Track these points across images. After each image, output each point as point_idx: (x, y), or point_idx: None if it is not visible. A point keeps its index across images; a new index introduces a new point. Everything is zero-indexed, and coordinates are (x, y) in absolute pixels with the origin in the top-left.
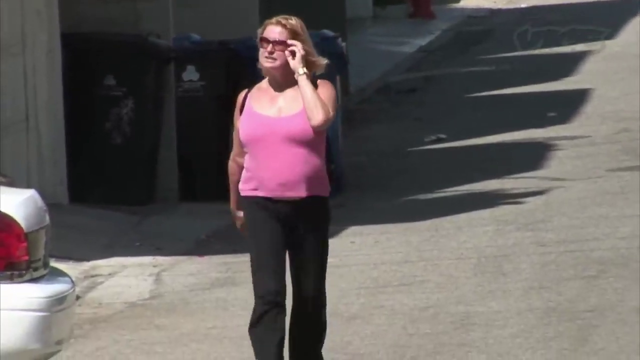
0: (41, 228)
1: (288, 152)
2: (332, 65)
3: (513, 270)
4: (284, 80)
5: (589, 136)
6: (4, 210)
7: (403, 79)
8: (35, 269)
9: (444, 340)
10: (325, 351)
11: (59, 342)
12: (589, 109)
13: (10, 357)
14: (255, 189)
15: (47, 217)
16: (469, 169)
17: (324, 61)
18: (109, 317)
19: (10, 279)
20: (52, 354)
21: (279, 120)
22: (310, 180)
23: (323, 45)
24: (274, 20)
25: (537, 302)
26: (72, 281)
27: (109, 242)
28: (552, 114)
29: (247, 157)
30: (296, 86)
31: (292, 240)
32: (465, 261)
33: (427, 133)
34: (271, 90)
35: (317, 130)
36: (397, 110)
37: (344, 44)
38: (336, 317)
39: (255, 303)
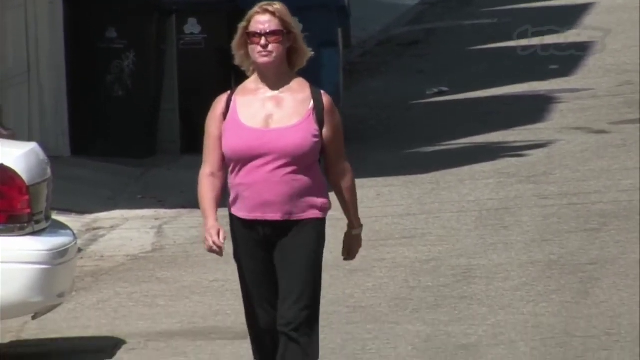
0: (43, 181)
1: (275, 168)
2: (334, 19)
3: (515, 223)
4: (277, 76)
5: (591, 89)
6: (5, 163)
7: (405, 32)
8: (37, 222)
9: (446, 292)
10: (326, 304)
11: (61, 295)
12: (591, 61)
13: (12, 310)
14: (238, 209)
15: (49, 170)
16: (471, 121)
17: (309, 53)
18: (111, 269)
19: (12, 232)
20: (54, 307)
21: (268, 132)
22: (300, 200)
23: None
24: (258, 8)
25: (538, 255)
26: (74, 234)
27: (111, 194)
28: (554, 67)
29: (230, 171)
30: (289, 85)
31: (279, 257)
32: (466, 214)
33: (429, 86)
34: (261, 90)
35: None
36: (399, 62)
37: None
38: (338, 269)
39: (249, 333)
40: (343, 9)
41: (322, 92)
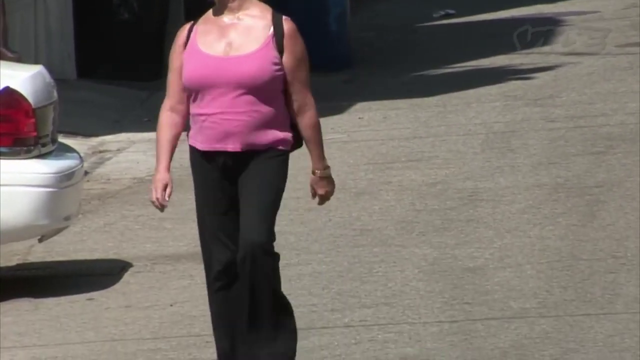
0: (49, 104)
1: (235, 97)
2: None
3: (521, 146)
4: (236, 3)
5: (597, 11)
6: (11, 86)
7: None
8: (44, 145)
9: (452, 216)
10: (333, 226)
11: (67, 218)
12: None
13: (19, 233)
14: (197, 140)
15: (55, 93)
16: (478, 44)
17: None
18: (117, 192)
19: (18, 155)
20: (61, 230)
21: (227, 60)
22: (261, 131)
23: None
24: None
25: (545, 178)
26: (80, 157)
27: (117, 117)
28: None
29: (191, 102)
30: (250, 11)
31: (241, 190)
32: (473, 137)
33: (435, 8)
34: (220, 18)
35: None
36: None
37: None
38: (344, 192)
39: (206, 273)
40: None
41: (285, 17)
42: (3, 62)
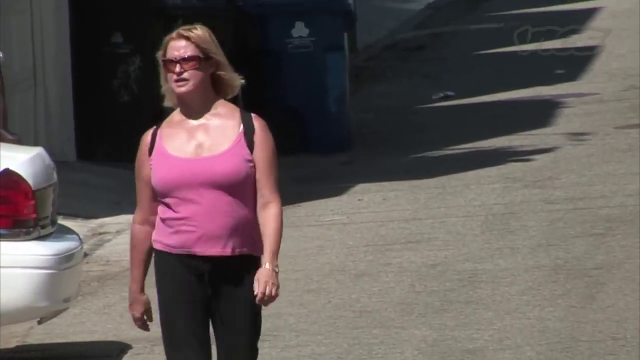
0: (49, 186)
1: (209, 199)
2: (340, 23)
3: (520, 228)
4: (202, 104)
5: (596, 93)
6: (11, 168)
7: (411, 36)
8: (43, 227)
9: (452, 297)
10: (332, 308)
11: (67, 300)
12: (597, 66)
13: (18, 315)
14: (169, 245)
15: (55, 175)
16: (477, 126)
17: (238, 81)
18: (116, 274)
19: (18, 237)
20: (60, 312)
21: (199, 161)
22: (237, 234)
23: (331, 3)
24: (174, 34)
25: (544, 260)
26: (80, 239)
27: (117, 199)
28: (560, 71)
29: (160, 206)
30: (217, 111)
31: (216, 306)
32: (472, 218)
33: (435, 90)
34: (187, 121)
35: None
36: (405, 67)
37: (351, 1)
38: (344, 274)
39: None
40: (349, 14)
41: (254, 115)
42: (3, 144)
